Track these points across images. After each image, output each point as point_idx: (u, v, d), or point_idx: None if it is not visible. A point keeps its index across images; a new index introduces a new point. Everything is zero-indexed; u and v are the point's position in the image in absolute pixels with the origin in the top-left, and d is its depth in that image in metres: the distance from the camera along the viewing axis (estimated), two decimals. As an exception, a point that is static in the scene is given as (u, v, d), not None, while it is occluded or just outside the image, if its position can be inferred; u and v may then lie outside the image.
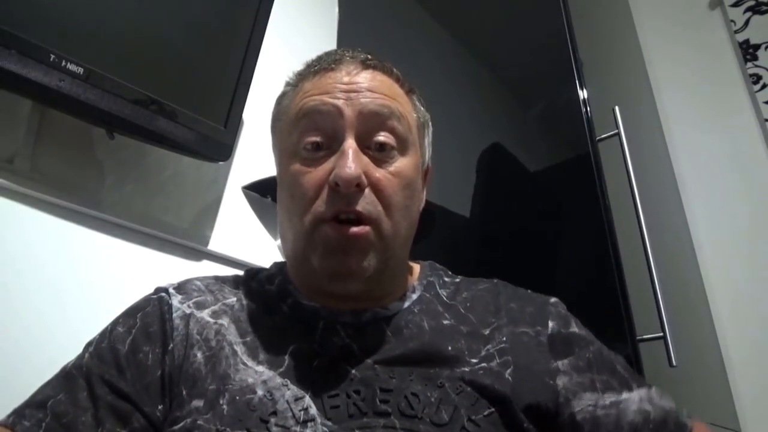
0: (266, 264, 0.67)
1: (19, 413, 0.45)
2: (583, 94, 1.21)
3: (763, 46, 1.43)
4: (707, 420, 1.08)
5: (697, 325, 1.26)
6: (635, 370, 0.96)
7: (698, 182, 1.42)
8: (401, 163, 0.53)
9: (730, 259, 1.32)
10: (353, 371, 0.48)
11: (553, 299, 0.60)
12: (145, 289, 0.59)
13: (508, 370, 0.50)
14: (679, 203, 1.40)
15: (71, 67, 0.66)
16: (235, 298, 0.56)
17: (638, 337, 1.00)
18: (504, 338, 0.53)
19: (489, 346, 0.52)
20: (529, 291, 0.62)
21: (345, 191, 0.49)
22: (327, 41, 1.35)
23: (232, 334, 0.51)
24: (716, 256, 1.33)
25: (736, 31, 1.48)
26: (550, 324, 0.56)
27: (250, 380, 0.47)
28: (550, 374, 0.51)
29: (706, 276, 1.32)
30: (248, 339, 0.51)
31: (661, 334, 0.99)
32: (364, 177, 0.49)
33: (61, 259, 0.74)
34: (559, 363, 0.53)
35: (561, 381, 0.51)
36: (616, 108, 1.18)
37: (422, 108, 0.60)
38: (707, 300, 1.29)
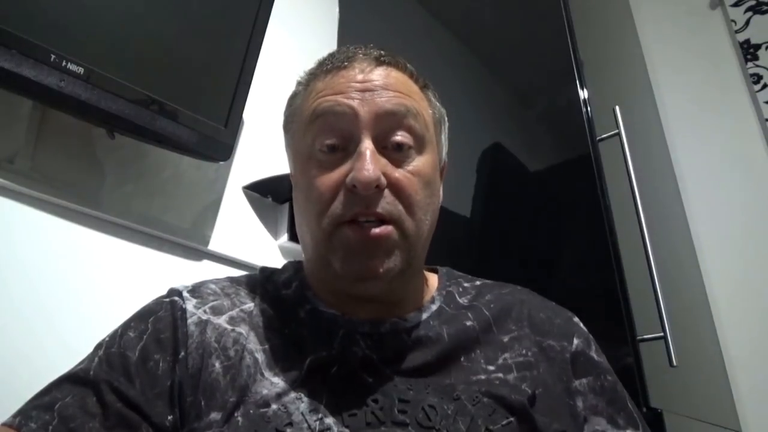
0: (266, 264, 0.66)
1: (25, 414, 0.44)
2: (583, 94, 1.21)
3: (764, 46, 1.43)
4: (707, 420, 1.09)
5: (697, 325, 1.26)
6: (635, 370, 0.96)
7: (698, 182, 1.42)
8: (419, 162, 0.52)
9: (730, 259, 1.32)
10: (372, 381, 0.47)
11: (575, 316, 0.60)
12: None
13: (525, 384, 0.49)
14: (680, 203, 1.40)
15: (72, 67, 0.66)
16: (252, 303, 0.55)
17: (638, 337, 1.00)
18: (524, 350, 0.52)
19: (507, 355, 0.51)
20: (553, 302, 0.61)
21: (363, 193, 0.48)
22: (327, 41, 1.35)
23: (252, 342, 0.50)
24: (716, 256, 1.33)
25: (736, 31, 1.48)
26: (575, 341, 0.56)
27: (265, 392, 0.46)
28: (569, 394, 0.52)
29: (706, 276, 1.32)
30: (266, 347, 0.50)
31: (661, 334, 0.99)
32: (383, 178, 0.48)
33: (61, 259, 0.74)
34: (577, 382, 0.53)
35: (580, 402, 0.52)
36: (617, 108, 1.18)
37: (438, 103, 0.59)
38: (707, 300, 1.29)
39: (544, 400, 0.49)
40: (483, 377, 0.49)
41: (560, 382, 0.52)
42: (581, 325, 0.59)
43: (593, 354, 0.56)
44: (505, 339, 0.53)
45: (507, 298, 0.58)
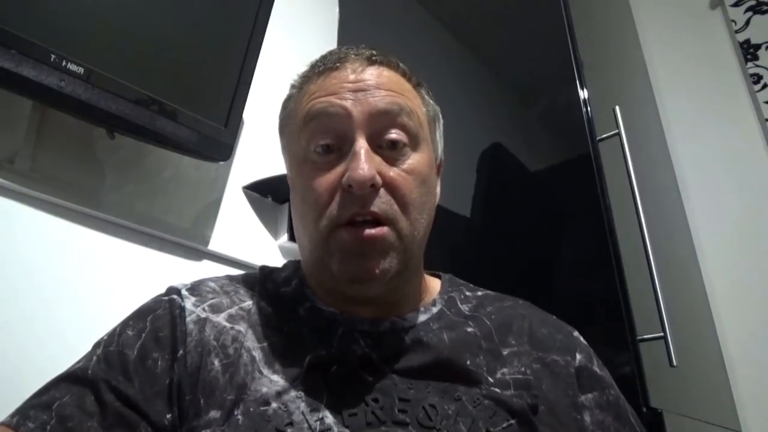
0: (266, 264, 0.66)
1: (23, 414, 0.44)
2: (583, 94, 1.21)
3: (764, 46, 1.43)
4: (707, 420, 1.08)
5: (697, 325, 1.26)
6: (635, 370, 0.96)
7: (698, 182, 1.42)
8: (414, 160, 0.52)
9: (730, 259, 1.32)
10: (372, 380, 0.47)
11: (575, 331, 0.60)
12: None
13: (524, 399, 0.49)
14: (680, 203, 1.40)
15: (72, 67, 0.66)
16: (251, 301, 0.55)
17: (638, 337, 1.00)
18: (523, 368, 0.52)
19: (505, 370, 0.51)
20: (554, 316, 0.61)
21: (359, 193, 0.48)
22: (327, 41, 1.35)
23: (250, 340, 0.50)
24: (716, 256, 1.33)
25: (736, 31, 1.48)
26: (578, 356, 0.55)
27: (265, 390, 0.46)
28: (576, 409, 0.51)
29: (706, 276, 1.32)
30: (265, 345, 0.50)
31: (661, 334, 0.99)
32: (378, 177, 0.48)
33: (61, 259, 0.74)
34: (583, 398, 0.53)
35: (587, 417, 0.52)
36: (617, 108, 1.18)
37: (431, 101, 0.59)
38: (707, 300, 1.29)
39: (549, 413, 0.49)
40: (483, 386, 0.49)
41: (566, 397, 0.51)
42: (582, 339, 0.59)
43: (596, 369, 0.56)
44: (505, 352, 0.53)
45: (508, 312, 0.58)
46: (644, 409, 0.94)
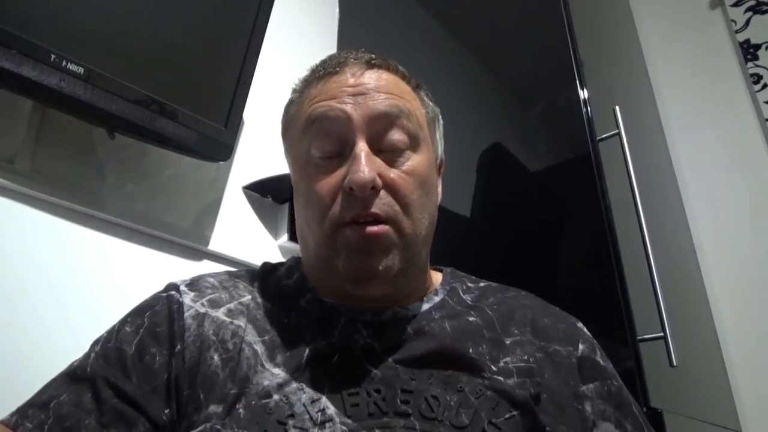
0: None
1: (22, 413, 0.44)
2: (583, 94, 1.21)
3: (764, 46, 1.43)
4: (707, 420, 1.08)
5: (697, 325, 1.26)
6: (635, 370, 0.96)
7: (699, 182, 1.42)
8: (414, 161, 0.53)
9: (731, 259, 1.32)
10: (374, 370, 0.48)
11: (579, 321, 0.60)
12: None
13: (527, 388, 0.49)
14: (680, 203, 1.40)
15: (72, 67, 0.66)
16: (250, 296, 0.55)
17: (638, 337, 1.00)
18: (526, 356, 0.52)
19: (507, 359, 0.51)
20: (557, 307, 0.61)
21: (360, 195, 0.48)
22: (327, 41, 1.35)
23: (250, 334, 0.50)
24: (716, 256, 1.33)
25: (736, 31, 1.48)
26: (581, 347, 0.56)
27: (266, 382, 0.46)
28: (577, 399, 0.51)
29: (706, 276, 1.32)
30: (266, 338, 0.50)
31: (661, 334, 0.99)
32: (378, 179, 0.49)
33: (61, 260, 0.74)
34: (584, 387, 0.53)
35: (588, 407, 0.52)
36: (617, 108, 1.18)
37: (431, 103, 0.60)
38: (707, 300, 1.29)
39: (551, 402, 0.49)
40: (487, 379, 0.49)
41: (567, 387, 0.52)
42: (585, 330, 0.59)
43: (599, 359, 0.56)
44: (508, 342, 0.53)
45: (510, 302, 0.58)
46: (644, 409, 0.94)
